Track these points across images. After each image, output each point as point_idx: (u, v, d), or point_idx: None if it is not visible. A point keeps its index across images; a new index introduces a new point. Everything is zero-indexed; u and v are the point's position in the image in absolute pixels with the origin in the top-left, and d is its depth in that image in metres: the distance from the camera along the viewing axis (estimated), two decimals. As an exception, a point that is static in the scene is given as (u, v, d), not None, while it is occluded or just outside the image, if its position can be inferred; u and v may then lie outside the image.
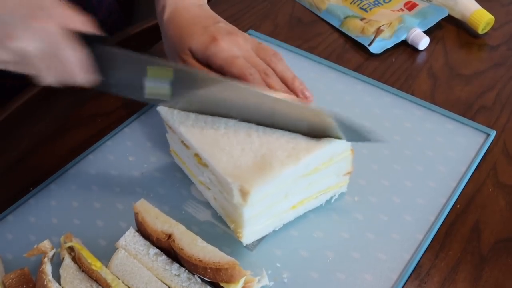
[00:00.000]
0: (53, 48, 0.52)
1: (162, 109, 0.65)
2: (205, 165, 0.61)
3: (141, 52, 0.56)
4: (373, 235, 0.64)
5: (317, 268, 0.62)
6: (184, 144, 0.65)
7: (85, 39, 0.54)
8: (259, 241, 0.64)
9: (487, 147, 0.73)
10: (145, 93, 0.59)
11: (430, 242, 0.63)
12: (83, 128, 0.79)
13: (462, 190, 0.68)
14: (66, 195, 0.70)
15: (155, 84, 0.59)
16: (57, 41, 0.52)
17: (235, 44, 0.67)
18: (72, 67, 0.54)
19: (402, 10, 0.94)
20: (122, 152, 0.75)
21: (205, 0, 0.76)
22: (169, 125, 0.66)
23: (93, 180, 0.72)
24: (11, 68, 0.54)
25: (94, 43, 0.54)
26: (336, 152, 0.62)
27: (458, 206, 0.67)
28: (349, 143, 0.62)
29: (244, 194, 0.56)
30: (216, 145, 0.60)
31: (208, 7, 0.74)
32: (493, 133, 0.74)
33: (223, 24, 0.70)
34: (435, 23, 0.92)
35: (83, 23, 0.54)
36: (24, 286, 0.58)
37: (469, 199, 0.68)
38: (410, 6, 0.95)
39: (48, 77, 0.54)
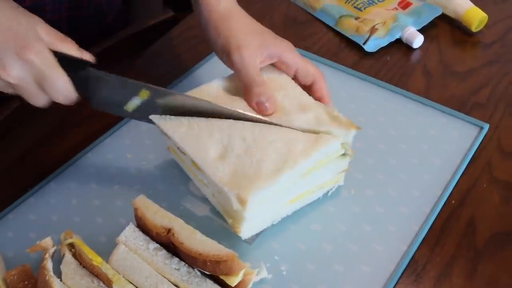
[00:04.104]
0: (42, 75, 0.57)
1: (154, 117, 0.65)
2: (203, 170, 0.61)
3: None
4: (370, 227, 0.65)
5: (315, 260, 0.62)
6: (180, 150, 0.65)
7: (71, 63, 0.59)
8: (257, 235, 0.64)
9: (481, 140, 0.74)
10: (126, 110, 0.65)
11: (426, 237, 0.64)
12: (82, 127, 0.79)
13: (457, 185, 0.69)
14: (65, 193, 0.71)
15: (134, 102, 0.64)
16: (45, 68, 0.57)
17: None
18: (59, 91, 0.59)
19: (396, 9, 0.95)
20: (120, 150, 0.76)
21: None
22: (163, 132, 0.66)
23: (92, 178, 0.72)
24: (1, 90, 0.58)
25: (79, 67, 0.60)
26: (332, 151, 0.63)
27: (453, 201, 0.67)
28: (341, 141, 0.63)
29: (242, 201, 0.57)
30: (211, 153, 0.61)
31: None
32: (486, 126, 0.75)
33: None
34: (429, 21, 0.92)
35: (69, 48, 0.59)
36: (26, 282, 0.58)
37: (464, 194, 0.68)
38: (404, 5, 0.96)
39: (37, 100, 0.59)
